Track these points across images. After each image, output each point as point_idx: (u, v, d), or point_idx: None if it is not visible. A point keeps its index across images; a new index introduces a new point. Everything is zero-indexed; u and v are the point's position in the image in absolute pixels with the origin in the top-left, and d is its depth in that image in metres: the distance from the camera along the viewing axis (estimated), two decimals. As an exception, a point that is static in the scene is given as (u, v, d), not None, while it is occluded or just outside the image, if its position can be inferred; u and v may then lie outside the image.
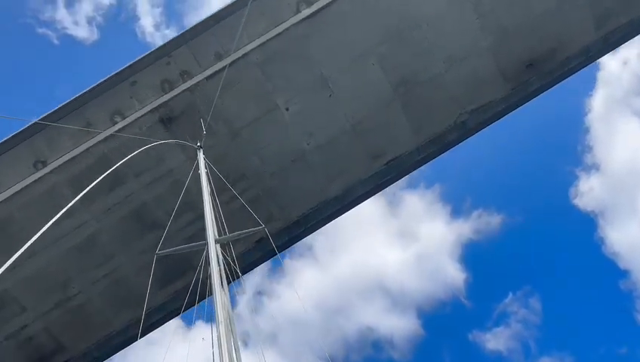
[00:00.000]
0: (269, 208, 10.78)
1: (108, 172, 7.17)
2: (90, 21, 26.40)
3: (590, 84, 27.00)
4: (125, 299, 10.85)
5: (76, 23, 26.20)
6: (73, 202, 6.16)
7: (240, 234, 10.40)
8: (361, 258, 28.72)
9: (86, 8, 26.78)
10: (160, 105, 9.66)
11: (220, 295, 9.19)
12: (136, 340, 11.94)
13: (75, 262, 10.28)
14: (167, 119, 9.73)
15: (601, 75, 26.70)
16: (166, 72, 9.74)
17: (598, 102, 26.75)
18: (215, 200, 9.19)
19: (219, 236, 9.26)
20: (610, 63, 25.84)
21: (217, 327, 7.99)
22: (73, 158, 9.68)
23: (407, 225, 29.50)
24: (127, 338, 11.50)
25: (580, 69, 11.42)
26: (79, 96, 9.76)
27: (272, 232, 11.18)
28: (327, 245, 29.07)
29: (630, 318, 25.50)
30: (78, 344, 10.96)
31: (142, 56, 9.79)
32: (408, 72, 10.24)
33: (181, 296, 11.15)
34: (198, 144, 9.61)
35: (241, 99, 9.96)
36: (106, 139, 9.70)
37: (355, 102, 10.31)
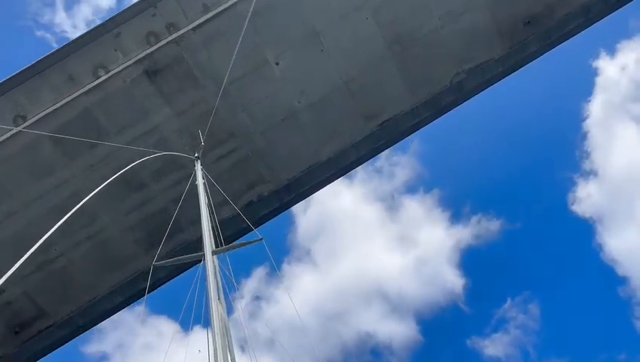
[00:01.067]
0: (258, 169, 10.41)
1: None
2: (89, 24, 26.16)
3: (588, 90, 26.84)
4: (110, 262, 10.48)
5: (75, 26, 25.93)
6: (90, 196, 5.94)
7: (238, 245, 10.19)
8: (360, 263, 28.48)
9: (85, 11, 26.51)
10: (145, 57, 9.29)
11: (216, 307, 8.95)
12: (123, 308, 11.60)
13: (56, 222, 9.86)
14: (152, 72, 9.36)
15: (600, 81, 26.51)
16: (151, 23, 9.36)
17: (596, 108, 26.58)
18: (212, 212, 9.09)
19: (216, 247, 9.15)
20: (609, 69, 25.68)
21: (214, 339, 7.93)
22: (54, 112, 9.31)
23: (406, 230, 29.30)
24: (113, 305, 11.12)
25: (579, 31, 11.08)
26: (61, 48, 9.40)
27: (262, 195, 10.85)
28: (325, 250, 28.82)
29: (629, 325, 25.29)
30: (61, 309, 10.57)
31: (127, 7, 9.45)
32: (403, 28, 9.89)
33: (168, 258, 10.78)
34: (196, 155, 9.43)
35: (228, 54, 9.59)
36: (88, 92, 9.33)
37: (348, 58, 9.95)
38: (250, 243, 9.01)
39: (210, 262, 8.32)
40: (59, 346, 11.38)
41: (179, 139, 9.79)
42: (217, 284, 8.52)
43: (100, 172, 9.74)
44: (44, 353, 11.21)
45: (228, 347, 8.61)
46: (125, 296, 11.09)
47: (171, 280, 11.39)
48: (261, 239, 9.46)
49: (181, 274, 11.25)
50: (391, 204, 29.71)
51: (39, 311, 10.46)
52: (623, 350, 24.65)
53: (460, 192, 28.79)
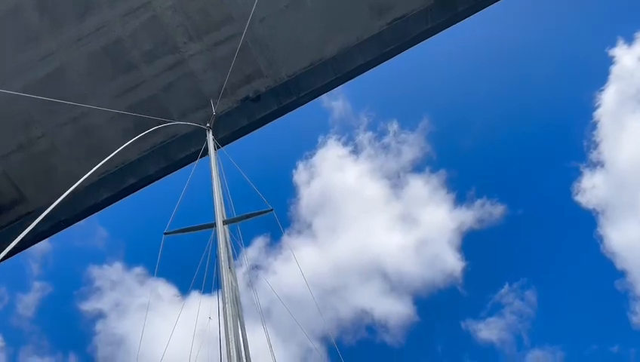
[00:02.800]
0: (256, 61, 9.76)
1: None
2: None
3: (602, 78, 26.01)
4: (94, 151, 9.94)
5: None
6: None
7: (249, 215, 9.95)
8: (361, 240, 28.17)
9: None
10: None
11: (227, 276, 8.70)
12: (108, 205, 11.13)
13: (38, 99, 9.34)
14: None
15: (615, 70, 25.60)
16: None
17: (608, 97, 25.80)
18: (224, 181, 9.02)
19: (227, 217, 8.95)
20: (625, 58, 24.74)
21: (225, 309, 7.85)
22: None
23: (409, 209, 28.90)
24: (97, 201, 10.63)
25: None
26: None
27: (260, 91, 10.25)
28: (327, 224, 28.46)
29: (624, 318, 24.91)
30: (41, 197, 10.08)
31: None
32: None
33: (159, 152, 10.28)
34: (208, 125, 9.25)
35: None
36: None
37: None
38: (260, 213, 9.31)
39: (222, 231, 8.48)
40: (39, 240, 10.96)
41: (172, 17, 9.15)
42: (228, 254, 8.81)
43: (88, 47, 9.15)
44: (24, 246, 10.78)
45: (238, 315, 8.45)
46: (111, 192, 10.59)
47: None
48: (272, 210, 9.30)
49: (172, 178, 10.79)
50: (396, 182, 29.26)
51: (19, 196, 9.99)
52: (616, 343, 24.32)
53: (466, 175, 28.35)
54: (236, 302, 8.69)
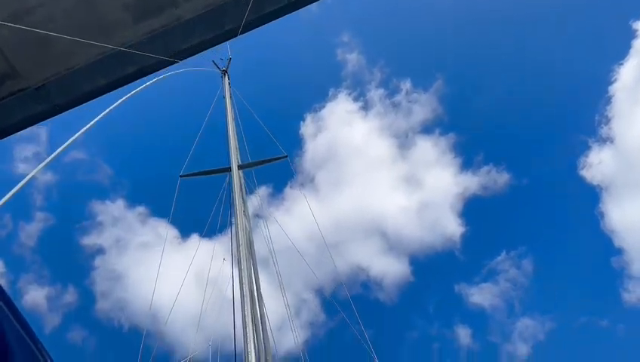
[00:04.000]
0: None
1: None
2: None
3: (623, 52, 25.07)
4: (92, 27, 9.75)
5: None
6: None
7: (264, 161, 9.89)
8: (364, 197, 28.24)
9: None
10: None
11: (242, 220, 8.79)
12: (105, 93, 11.19)
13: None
14: None
15: (636, 44, 24.64)
16: None
17: (627, 72, 24.97)
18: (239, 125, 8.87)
19: (242, 162, 8.90)
20: None
21: (239, 251, 8.04)
22: None
23: (414, 171, 28.81)
24: (93, 87, 10.59)
25: None
26: None
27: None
28: (330, 179, 28.41)
29: (616, 295, 25.55)
30: (36, 73, 9.91)
31: None
32: None
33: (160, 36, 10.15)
34: (224, 69, 9.17)
35: None
36: None
37: None
38: (275, 159, 9.32)
39: (237, 175, 8.70)
40: (32, 123, 10.98)
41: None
42: (243, 198, 9.03)
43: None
44: (17, 128, 10.83)
45: (252, 258, 8.71)
46: (108, 79, 10.54)
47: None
48: (286, 156, 9.37)
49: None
50: (403, 142, 29.05)
51: (11, 69, 9.86)
52: (605, 317, 25.16)
53: (475, 140, 28.17)
54: (250, 244, 9.04)
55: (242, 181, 9.11)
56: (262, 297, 8.58)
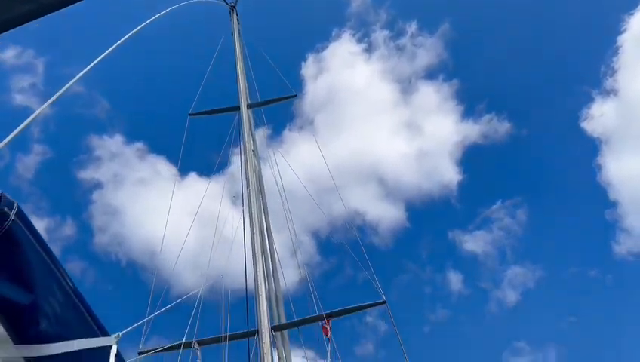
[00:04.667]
0: None
1: None
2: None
3: (634, 1, 24.10)
4: None
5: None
6: None
7: (273, 100, 9.71)
8: (362, 142, 27.97)
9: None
10: None
11: (251, 158, 8.66)
12: None
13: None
14: None
15: None
16: None
17: (637, 23, 24.01)
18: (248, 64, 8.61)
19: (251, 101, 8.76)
20: None
21: (249, 188, 7.94)
22: None
23: (415, 117, 28.42)
24: None
25: None
26: None
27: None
28: (329, 122, 28.04)
29: (607, 247, 25.71)
30: None
31: None
32: None
33: None
34: (232, 4, 8.88)
35: None
36: None
37: None
38: (284, 98, 9.17)
39: (246, 114, 8.63)
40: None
41: None
42: (252, 136, 8.96)
43: None
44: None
45: (261, 195, 8.68)
46: None
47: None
48: (295, 95, 9.23)
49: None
50: (406, 87, 28.55)
51: None
52: (594, 267, 25.45)
53: (479, 87, 27.69)
54: (260, 184, 9.08)
55: (251, 120, 9.04)
56: (272, 235, 8.69)
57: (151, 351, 7.36)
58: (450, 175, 27.73)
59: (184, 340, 7.10)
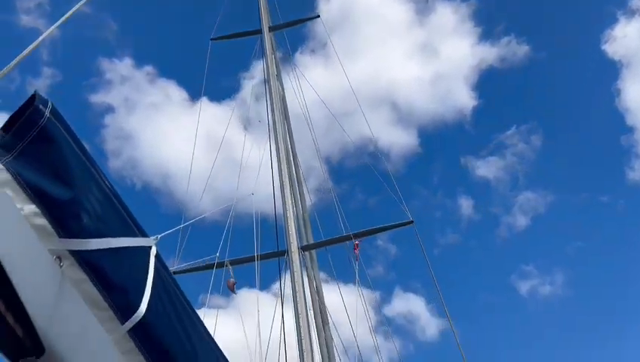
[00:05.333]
0: None
1: None
2: None
3: None
4: None
5: None
6: None
7: (295, 22, 9.29)
8: (376, 66, 26.85)
9: None
10: None
11: (274, 83, 8.37)
12: None
13: None
14: None
15: None
16: None
17: None
18: None
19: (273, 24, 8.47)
20: None
21: (273, 113, 7.70)
22: None
23: (431, 39, 27.08)
24: None
25: None
26: None
27: None
28: (343, 46, 26.93)
29: (620, 172, 24.88)
30: None
31: None
32: None
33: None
34: None
35: None
36: None
37: None
38: (306, 19, 8.97)
39: (268, 38, 8.59)
40: None
41: None
42: (275, 61, 8.83)
43: None
44: None
45: (286, 120, 8.56)
46: None
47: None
48: (318, 16, 8.88)
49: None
50: (423, 8, 27.19)
51: None
52: (607, 193, 24.78)
53: (498, 8, 26.23)
54: (284, 106, 9.03)
55: (273, 43, 8.87)
56: (297, 156, 8.71)
57: (186, 271, 7.65)
58: (464, 100, 27.03)
59: (216, 260, 7.33)
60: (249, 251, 7.89)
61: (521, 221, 26.55)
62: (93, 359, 1.84)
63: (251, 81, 10.03)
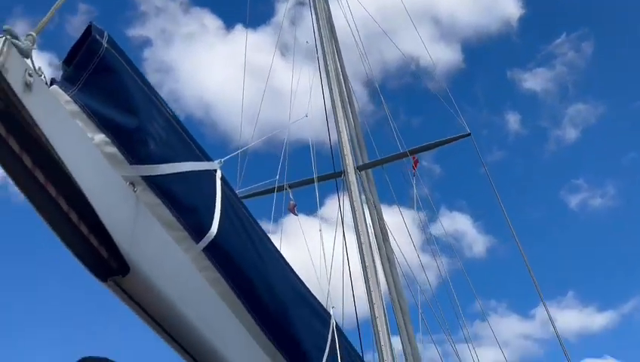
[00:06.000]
0: None
1: None
2: None
3: None
4: None
5: None
6: None
7: None
8: None
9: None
10: None
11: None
12: None
13: None
14: None
15: None
16: None
17: None
18: None
19: None
20: None
21: (321, 33, 7.32)
22: None
23: None
24: None
25: None
26: None
27: None
28: None
29: None
30: None
31: None
32: None
33: None
34: None
35: None
36: None
37: None
38: None
39: None
40: None
41: None
42: None
43: None
44: None
45: (337, 53, 8.19)
46: None
47: None
48: None
49: None
50: None
51: None
52: None
53: None
54: (332, 27, 8.78)
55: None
56: (347, 75, 8.55)
57: (249, 196, 7.82)
58: (510, 9, 25.31)
59: (276, 184, 7.49)
60: (301, 177, 7.98)
61: (571, 134, 25.40)
62: (174, 276, 1.96)
63: (286, 4, 9.72)
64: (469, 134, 7.58)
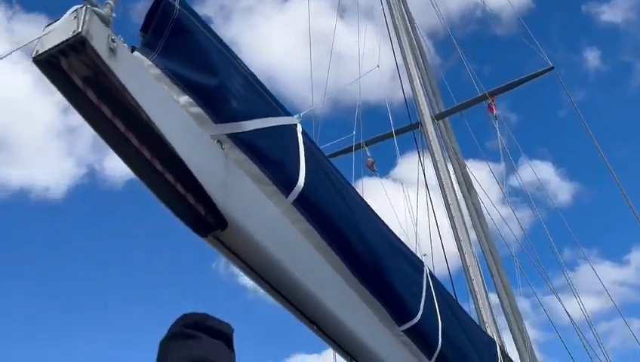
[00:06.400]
0: None
1: None
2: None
3: None
4: None
5: None
6: None
7: None
8: None
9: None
10: None
11: None
12: None
13: None
14: None
15: None
16: None
17: None
18: None
19: None
20: None
21: None
22: None
23: None
24: None
25: None
26: None
27: None
28: None
29: None
30: None
31: None
32: None
33: None
34: None
35: None
36: None
37: None
38: None
39: None
40: None
41: None
42: None
43: None
44: None
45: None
46: None
47: None
48: None
49: None
50: None
51: None
52: None
53: None
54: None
55: None
56: (414, 20, 8.24)
57: (328, 156, 7.84)
58: None
59: (354, 142, 7.44)
60: (375, 135, 7.84)
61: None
62: (269, 228, 2.00)
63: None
64: (552, 68, 7.13)
